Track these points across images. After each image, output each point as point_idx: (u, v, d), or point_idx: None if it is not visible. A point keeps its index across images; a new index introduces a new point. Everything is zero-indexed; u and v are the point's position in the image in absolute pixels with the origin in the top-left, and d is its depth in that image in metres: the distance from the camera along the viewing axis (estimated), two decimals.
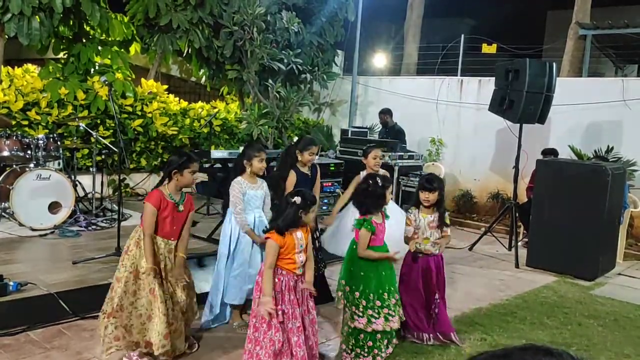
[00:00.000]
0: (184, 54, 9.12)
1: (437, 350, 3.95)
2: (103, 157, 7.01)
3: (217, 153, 7.02)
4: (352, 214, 4.57)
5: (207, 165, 7.43)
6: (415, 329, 4.08)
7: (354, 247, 3.71)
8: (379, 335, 3.58)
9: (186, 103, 9.06)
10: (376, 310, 3.55)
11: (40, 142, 6.02)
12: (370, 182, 3.72)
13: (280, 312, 3.17)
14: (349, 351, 3.64)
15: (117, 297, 3.34)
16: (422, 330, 4.06)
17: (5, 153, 5.91)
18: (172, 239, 3.46)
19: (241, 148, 5.46)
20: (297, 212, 3.21)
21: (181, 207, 3.44)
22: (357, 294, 3.59)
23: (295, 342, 3.20)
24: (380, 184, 3.67)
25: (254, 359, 3.20)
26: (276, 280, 3.21)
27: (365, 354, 3.59)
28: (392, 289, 3.69)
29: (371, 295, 3.56)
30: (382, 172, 4.71)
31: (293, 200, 3.23)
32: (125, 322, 3.35)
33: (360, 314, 3.57)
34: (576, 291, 5.61)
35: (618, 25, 9.37)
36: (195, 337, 3.83)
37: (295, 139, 10.20)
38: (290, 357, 3.19)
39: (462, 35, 10.00)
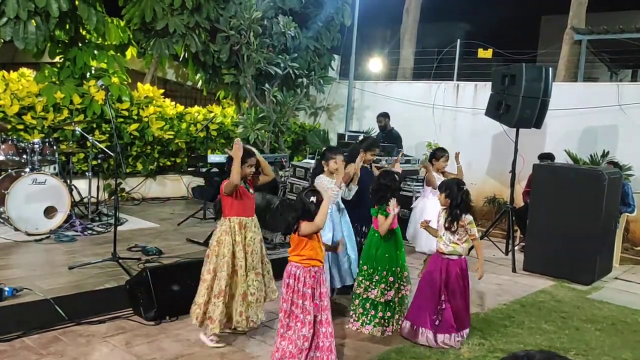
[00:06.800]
0: (180, 58, 9.11)
1: (435, 355, 3.94)
2: (99, 161, 6.98)
3: (213, 157, 7.01)
4: (422, 211, 5.42)
5: (203, 170, 7.40)
6: (414, 319, 4.14)
7: (375, 234, 4.27)
8: (380, 308, 4.19)
9: (182, 107, 9.05)
10: (389, 285, 4.20)
11: (36, 146, 5.99)
12: (389, 178, 4.33)
13: (314, 307, 3.37)
14: (357, 318, 4.25)
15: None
16: (420, 324, 4.10)
17: (1, 157, 5.88)
18: (248, 215, 3.89)
19: None
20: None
21: (251, 190, 3.95)
22: (371, 270, 4.24)
23: (323, 333, 3.43)
24: (397, 180, 4.33)
25: (286, 357, 3.35)
26: (312, 276, 3.41)
27: (368, 322, 4.21)
28: (404, 264, 4.34)
29: (385, 272, 4.21)
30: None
31: (311, 199, 3.48)
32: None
33: (374, 287, 4.20)
34: (573, 295, 5.62)
35: (613, 30, 9.42)
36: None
37: (291, 143, 10.25)
38: (316, 349, 3.41)
39: (458, 40, 10.03)
